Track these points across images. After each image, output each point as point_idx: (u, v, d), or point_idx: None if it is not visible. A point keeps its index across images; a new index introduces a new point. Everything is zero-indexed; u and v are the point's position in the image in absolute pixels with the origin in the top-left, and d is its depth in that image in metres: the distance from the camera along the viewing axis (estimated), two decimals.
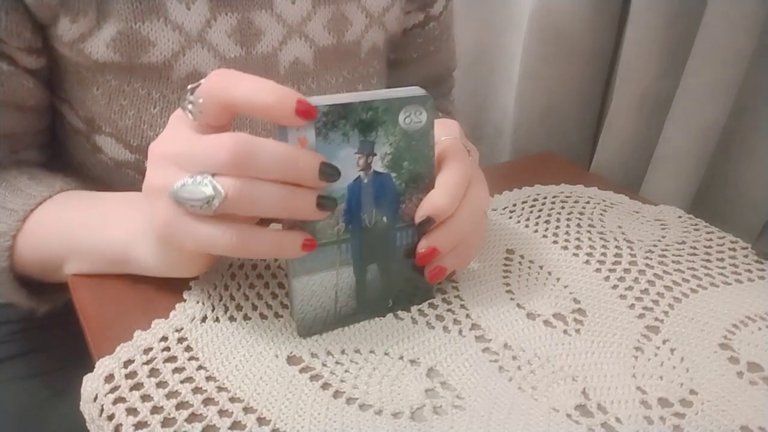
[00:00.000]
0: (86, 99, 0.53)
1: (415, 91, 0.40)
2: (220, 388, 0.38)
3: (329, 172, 0.37)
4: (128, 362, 0.39)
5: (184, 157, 0.37)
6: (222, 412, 0.37)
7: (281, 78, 0.57)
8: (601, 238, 0.56)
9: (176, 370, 0.39)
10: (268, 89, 0.35)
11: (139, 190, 0.42)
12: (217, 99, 0.36)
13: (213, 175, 0.36)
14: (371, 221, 0.41)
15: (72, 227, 0.48)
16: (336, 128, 0.38)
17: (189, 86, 0.38)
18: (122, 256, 0.45)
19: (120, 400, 0.37)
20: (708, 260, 0.53)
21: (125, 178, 0.56)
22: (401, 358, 0.41)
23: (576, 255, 0.53)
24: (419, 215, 0.41)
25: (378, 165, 0.40)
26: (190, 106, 0.38)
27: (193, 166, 0.36)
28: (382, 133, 0.39)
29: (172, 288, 0.46)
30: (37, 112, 0.55)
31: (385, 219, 0.42)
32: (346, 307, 0.43)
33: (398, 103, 0.39)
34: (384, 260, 0.43)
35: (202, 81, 0.37)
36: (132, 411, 0.36)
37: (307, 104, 0.36)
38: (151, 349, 0.40)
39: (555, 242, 0.55)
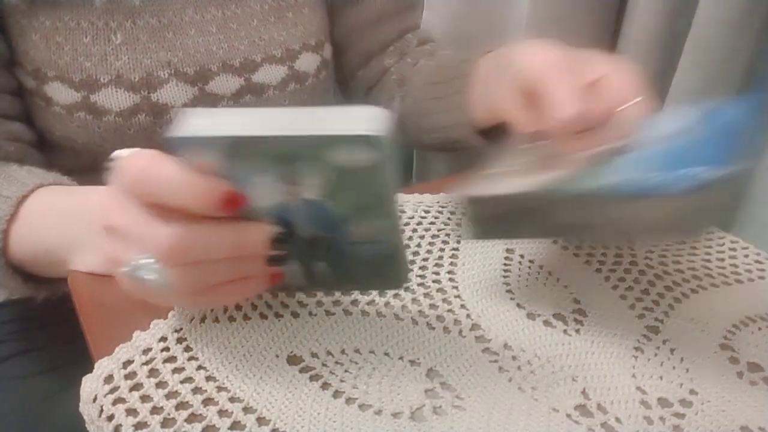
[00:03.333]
0: (29, 48, 0.55)
1: (361, 123, 0.32)
2: (219, 388, 0.38)
3: (281, 238, 0.36)
4: (127, 363, 0.39)
5: (127, 237, 0.35)
6: (222, 412, 0.37)
7: None
8: None
9: (176, 371, 0.39)
10: (187, 189, 0.33)
11: (94, 131, 0.49)
12: (139, 192, 0.34)
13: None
14: (309, 235, 0.38)
15: (66, 219, 0.48)
16: (248, 158, 0.33)
17: (109, 162, 0.36)
18: None
19: (120, 400, 0.37)
20: (708, 260, 0.53)
21: (80, 123, 0.56)
22: (401, 358, 0.41)
23: (576, 255, 0.53)
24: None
25: (307, 194, 0.35)
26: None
27: (137, 247, 0.35)
28: (305, 167, 0.34)
29: None
30: (6, 67, 0.56)
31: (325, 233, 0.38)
32: (296, 282, 0.41)
33: (326, 140, 0.32)
34: (333, 261, 0.40)
35: (118, 159, 0.35)
36: (132, 411, 0.36)
37: (231, 195, 0.33)
38: (150, 349, 0.40)
39: (555, 242, 0.55)
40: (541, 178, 0.41)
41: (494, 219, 0.43)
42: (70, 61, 0.54)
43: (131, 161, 0.34)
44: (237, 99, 0.62)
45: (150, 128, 0.57)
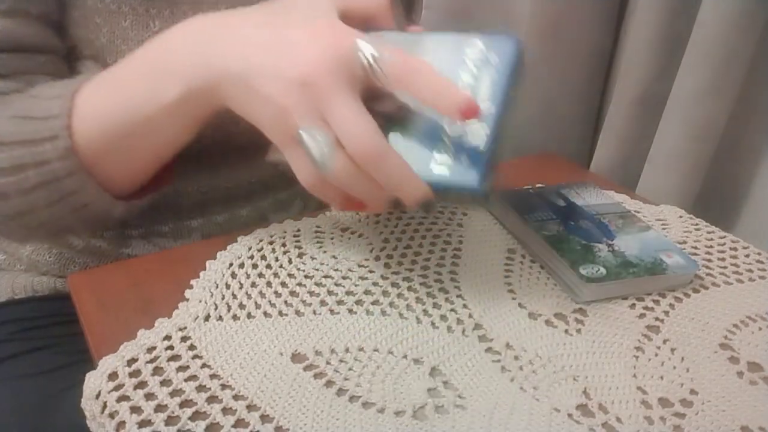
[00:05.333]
0: (69, 25, 0.55)
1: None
2: (224, 386, 0.38)
3: (427, 208, 0.40)
4: (132, 361, 0.39)
5: (331, 114, 0.38)
6: (226, 410, 0.37)
7: None
8: None
9: (180, 369, 0.39)
10: (441, 88, 0.39)
11: None
12: (398, 86, 0.39)
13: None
14: None
15: (134, 69, 0.46)
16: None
17: (366, 51, 0.39)
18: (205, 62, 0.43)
19: (123, 398, 0.37)
20: (709, 260, 0.54)
21: None
22: (405, 356, 0.41)
23: None
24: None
25: None
26: (367, 65, 0.39)
27: (330, 126, 0.38)
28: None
29: (171, 288, 0.46)
30: (60, 30, 0.56)
31: None
32: None
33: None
34: None
35: (383, 56, 0.39)
36: (135, 409, 0.36)
37: (472, 104, 0.38)
38: (154, 347, 0.40)
39: None
40: None
41: None
42: (106, 42, 0.54)
43: (397, 66, 0.39)
44: None
45: None
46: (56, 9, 0.54)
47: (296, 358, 0.41)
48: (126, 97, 0.46)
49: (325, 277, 0.48)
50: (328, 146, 0.38)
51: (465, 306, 0.46)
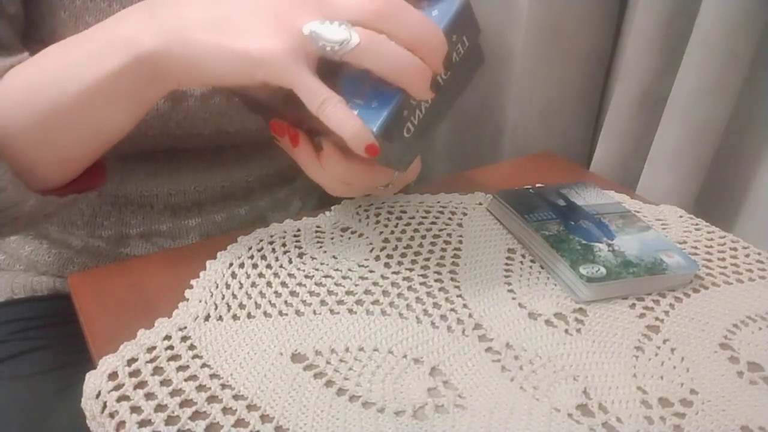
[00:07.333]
0: (57, 27, 0.52)
1: None
2: (224, 386, 0.38)
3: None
4: (132, 360, 0.39)
5: (328, 4, 0.39)
6: (226, 410, 0.37)
7: None
8: None
9: (180, 368, 0.39)
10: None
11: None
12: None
13: (350, 24, 0.38)
14: None
15: (61, 62, 0.43)
16: None
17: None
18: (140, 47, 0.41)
19: (123, 398, 0.37)
20: (709, 260, 0.54)
21: None
22: (405, 356, 0.41)
23: None
24: None
25: None
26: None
27: (334, 14, 0.38)
28: None
29: (171, 288, 0.46)
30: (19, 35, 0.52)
31: None
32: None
33: None
34: None
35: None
36: (135, 409, 0.36)
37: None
38: (154, 347, 0.40)
39: None
40: None
41: None
42: (67, 17, 0.51)
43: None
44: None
45: (167, 114, 0.57)
46: None
47: (296, 358, 0.41)
48: (62, 66, 0.43)
49: (325, 277, 0.48)
50: (342, 24, 0.38)
51: (465, 306, 0.46)
